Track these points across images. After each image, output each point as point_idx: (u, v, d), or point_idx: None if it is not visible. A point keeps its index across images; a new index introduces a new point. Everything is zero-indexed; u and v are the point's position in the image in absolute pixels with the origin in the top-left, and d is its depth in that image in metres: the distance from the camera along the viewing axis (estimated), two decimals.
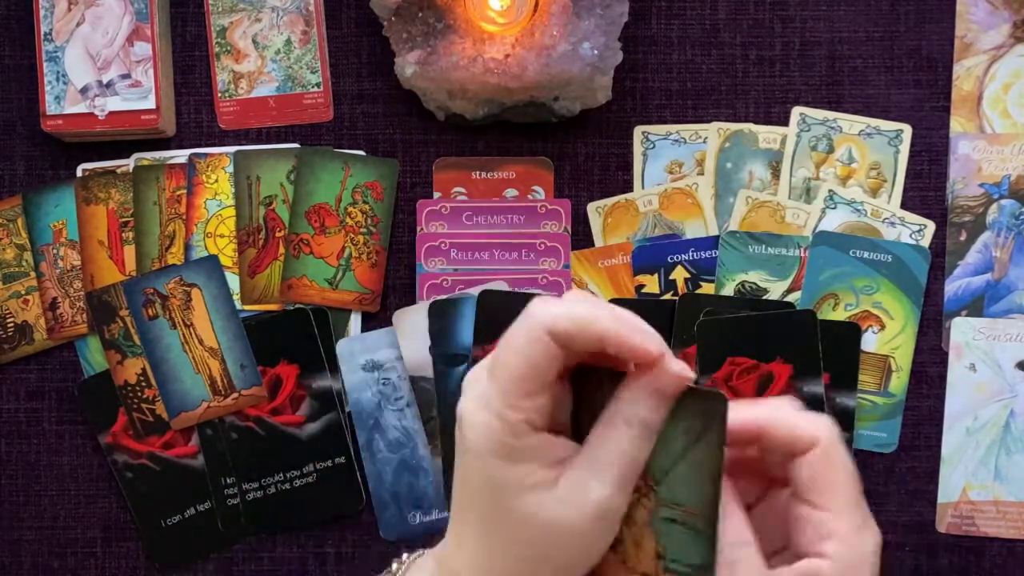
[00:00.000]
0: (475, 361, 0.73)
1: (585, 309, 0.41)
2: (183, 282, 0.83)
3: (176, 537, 0.83)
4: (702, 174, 0.83)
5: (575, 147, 0.84)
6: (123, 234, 0.84)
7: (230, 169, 0.84)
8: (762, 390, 0.80)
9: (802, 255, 0.82)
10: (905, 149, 0.83)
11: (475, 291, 0.82)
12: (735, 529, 0.43)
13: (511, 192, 0.84)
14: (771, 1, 0.84)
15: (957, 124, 0.83)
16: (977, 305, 0.82)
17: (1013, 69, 0.83)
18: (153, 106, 0.82)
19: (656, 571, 0.43)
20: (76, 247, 0.84)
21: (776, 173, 0.83)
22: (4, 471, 0.85)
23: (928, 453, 0.82)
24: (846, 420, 0.81)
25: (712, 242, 0.83)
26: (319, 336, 0.83)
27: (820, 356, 0.80)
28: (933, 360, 0.82)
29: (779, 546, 0.44)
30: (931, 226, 0.82)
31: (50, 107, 0.82)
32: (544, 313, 0.41)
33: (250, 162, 0.84)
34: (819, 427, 0.43)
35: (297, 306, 0.84)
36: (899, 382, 0.82)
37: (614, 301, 0.80)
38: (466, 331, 0.81)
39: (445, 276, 0.83)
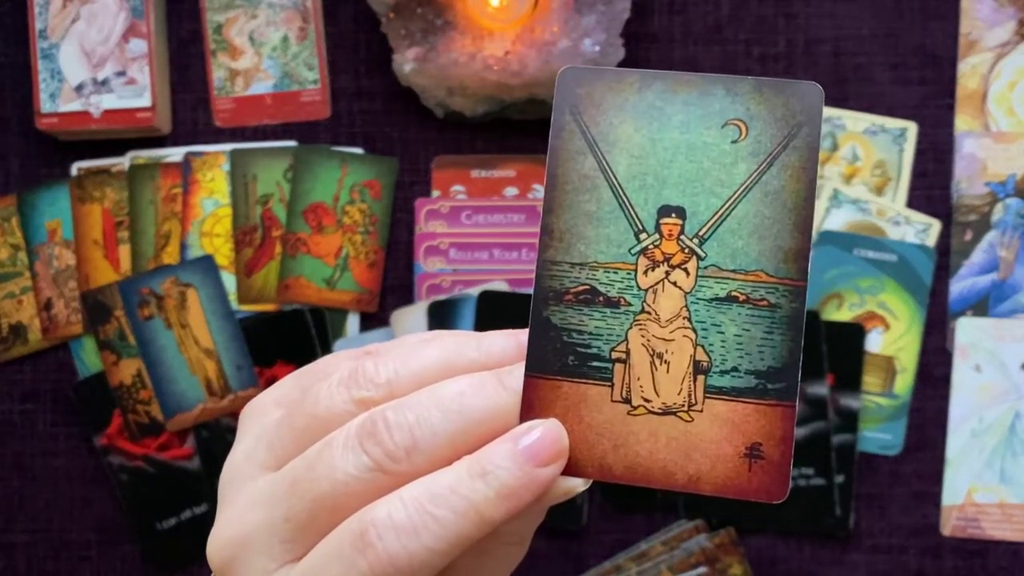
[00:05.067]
0: None
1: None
2: (179, 282, 0.82)
3: (172, 540, 0.82)
4: None
5: None
6: (118, 233, 0.84)
7: (226, 167, 0.83)
8: None
9: None
10: (910, 147, 0.82)
11: (474, 291, 0.81)
12: None
13: (511, 191, 0.83)
14: None
15: (962, 122, 0.82)
16: (982, 305, 0.81)
17: (1018, 67, 0.82)
18: (149, 104, 0.81)
19: (690, 394, 0.30)
20: (71, 247, 0.84)
21: None
22: None
23: (933, 455, 0.81)
24: (850, 421, 0.80)
25: None
26: (316, 337, 0.82)
27: (824, 357, 0.79)
28: (938, 361, 0.81)
29: None
30: (936, 225, 0.81)
31: (45, 105, 0.82)
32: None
33: (247, 160, 0.83)
34: None
35: (294, 306, 0.83)
36: (904, 383, 0.81)
37: None
38: None
39: (444, 276, 0.82)
